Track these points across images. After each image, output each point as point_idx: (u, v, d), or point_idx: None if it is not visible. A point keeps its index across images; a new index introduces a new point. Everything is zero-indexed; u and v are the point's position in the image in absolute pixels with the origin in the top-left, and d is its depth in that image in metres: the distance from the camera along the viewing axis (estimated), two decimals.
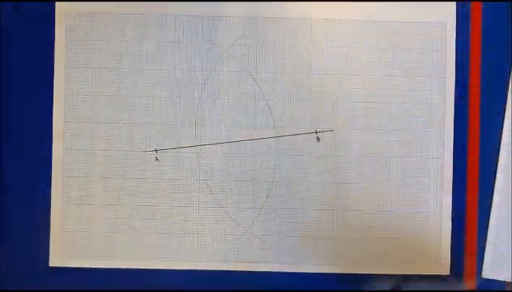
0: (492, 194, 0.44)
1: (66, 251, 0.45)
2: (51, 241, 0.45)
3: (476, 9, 0.45)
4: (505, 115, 0.44)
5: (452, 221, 0.45)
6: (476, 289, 0.45)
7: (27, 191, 0.45)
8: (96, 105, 0.45)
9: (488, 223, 0.45)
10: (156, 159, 0.45)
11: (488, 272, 0.45)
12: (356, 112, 0.45)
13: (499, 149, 0.44)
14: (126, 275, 0.45)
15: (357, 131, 0.45)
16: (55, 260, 0.45)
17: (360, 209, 0.45)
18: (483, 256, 0.45)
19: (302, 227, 0.45)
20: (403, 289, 0.45)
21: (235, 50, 0.45)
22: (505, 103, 0.44)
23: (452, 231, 0.45)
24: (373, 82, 0.45)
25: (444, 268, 0.45)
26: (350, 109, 0.45)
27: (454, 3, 0.45)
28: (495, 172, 0.44)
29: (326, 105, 0.45)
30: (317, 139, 0.45)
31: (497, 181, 0.44)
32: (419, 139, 0.45)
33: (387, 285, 0.45)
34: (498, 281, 0.45)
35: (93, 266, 0.45)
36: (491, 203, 0.44)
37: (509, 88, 0.44)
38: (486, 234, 0.45)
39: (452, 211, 0.45)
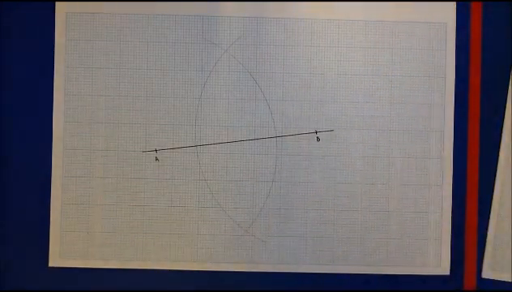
0: (492, 194, 0.44)
1: (65, 251, 0.45)
2: (50, 241, 0.45)
3: (476, 9, 0.45)
4: (505, 115, 0.44)
5: (452, 221, 0.45)
6: (476, 289, 0.45)
7: (26, 191, 0.45)
8: (95, 105, 0.45)
9: (488, 223, 0.45)
10: (156, 159, 0.45)
11: (488, 272, 0.45)
12: (356, 112, 0.45)
13: (499, 149, 0.44)
14: (126, 275, 0.45)
15: (357, 131, 0.45)
16: (54, 260, 0.45)
17: (360, 209, 0.45)
18: (483, 256, 0.45)
19: (302, 227, 0.45)
20: (403, 289, 0.45)
21: (235, 50, 0.45)
22: (505, 103, 0.44)
23: (452, 231, 0.45)
24: (373, 82, 0.45)
25: (444, 268, 0.45)
26: (350, 109, 0.45)
27: (454, 3, 0.45)
28: (495, 172, 0.44)
29: (326, 105, 0.45)
30: (318, 139, 0.45)
31: (496, 181, 0.44)
32: (419, 139, 0.45)
33: (387, 285, 0.45)
34: (498, 281, 0.45)
35: (92, 266, 0.45)
36: (491, 203, 0.44)
37: (509, 88, 0.44)
38: (486, 234, 0.45)
39: (452, 211, 0.45)
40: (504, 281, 0.44)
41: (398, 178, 0.45)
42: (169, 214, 0.45)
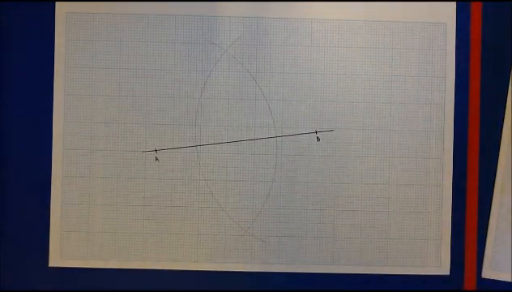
0: (492, 194, 0.44)
1: (65, 251, 0.45)
2: (50, 241, 0.45)
3: (476, 9, 0.45)
4: (505, 115, 0.44)
5: (452, 221, 0.45)
6: (476, 289, 0.45)
7: (26, 191, 0.45)
8: (96, 105, 0.45)
9: (488, 223, 0.45)
10: (156, 159, 0.45)
11: (488, 272, 0.45)
12: (356, 112, 0.45)
13: (499, 149, 0.44)
14: (126, 275, 0.45)
15: (357, 131, 0.45)
16: (54, 260, 0.45)
17: (360, 209, 0.45)
18: (483, 256, 0.45)
19: (302, 227, 0.45)
20: (403, 289, 0.45)
21: (235, 50, 0.45)
22: (505, 103, 0.44)
23: (452, 231, 0.45)
24: (373, 82, 0.45)
25: (444, 268, 0.45)
26: (350, 109, 0.45)
27: (454, 3, 0.45)
28: (495, 172, 0.44)
29: (326, 105, 0.45)
30: (318, 139, 0.45)
31: (496, 181, 0.44)
32: (419, 138, 0.45)
33: (387, 285, 0.45)
34: (498, 281, 0.45)
35: (92, 266, 0.45)
36: (491, 203, 0.44)
37: (509, 88, 0.44)
38: (486, 234, 0.45)
39: (452, 211, 0.45)
40: (504, 281, 0.44)
41: (398, 178, 0.45)
42: (169, 214, 0.45)
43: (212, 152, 0.45)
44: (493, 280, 0.45)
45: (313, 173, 0.45)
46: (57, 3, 0.45)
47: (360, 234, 0.45)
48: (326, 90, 0.45)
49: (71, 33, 0.45)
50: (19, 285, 0.45)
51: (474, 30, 0.45)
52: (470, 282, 0.45)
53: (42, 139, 0.45)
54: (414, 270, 0.45)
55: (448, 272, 0.45)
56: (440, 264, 0.45)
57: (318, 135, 0.45)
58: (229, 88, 0.45)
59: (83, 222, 0.45)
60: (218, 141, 0.45)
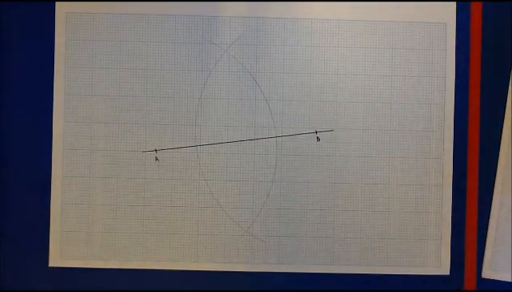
0: (492, 194, 0.44)
1: (65, 251, 0.45)
2: (50, 241, 0.45)
3: (476, 9, 0.45)
4: (505, 115, 0.44)
5: (452, 221, 0.45)
6: (476, 289, 0.45)
7: (26, 191, 0.45)
8: (96, 105, 0.45)
9: (488, 223, 0.45)
10: (156, 159, 0.45)
11: (488, 272, 0.45)
12: (356, 112, 0.45)
13: (499, 149, 0.44)
14: (126, 275, 0.45)
15: (357, 131, 0.45)
16: (54, 260, 0.45)
17: (360, 209, 0.45)
18: (483, 256, 0.45)
19: (302, 227, 0.45)
20: (403, 289, 0.45)
21: (235, 50, 0.45)
22: (505, 103, 0.44)
23: (452, 231, 0.45)
24: (373, 82, 0.45)
25: (444, 268, 0.45)
26: (350, 109, 0.45)
27: (454, 3, 0.45)
28: (495, 172, 0.44)
29: (326, 105, 0.45)
30: (318, 139, 0.45)
31: (496, 181, 0.44)
32: (419, 138, 0.45)
33: (387, 285, 0.45)
34: (498, 281, 0.45)
35: (92, 266, 0.45)
36: (491, 203, 0.44)
37: (510, 88, 0.44)
38: (486, 234, 0.45)
39: (452, 211, 0.45)
40: (504, 281, 0.44)
41: (398, 178, 0.45)
42: (169, 214, 0.45)
43: (212, 152, 0.45)
44: (493, 280, 0.45)
45: (313, 173, 0.45)
46: (57, 3, 0.45)
47: (360, 234, 0.45)
48: (326, 90, 0.45)
49: (71, 33, 0.45)
50: (19, 285, 0.45)
51: (474, 30, 0.45)
52: (470, 282, 0.45)
53: (42, 139, 0.45)
54: (414, 270, 0.45)
55: (448, 272, 0.45)
56: (440, 264, 0.45)
57: (318, 135, 0.45)
58: (229, 87, 0.45)
59: (83, 222, 0.45)
60: (218, 141, 0.45)
